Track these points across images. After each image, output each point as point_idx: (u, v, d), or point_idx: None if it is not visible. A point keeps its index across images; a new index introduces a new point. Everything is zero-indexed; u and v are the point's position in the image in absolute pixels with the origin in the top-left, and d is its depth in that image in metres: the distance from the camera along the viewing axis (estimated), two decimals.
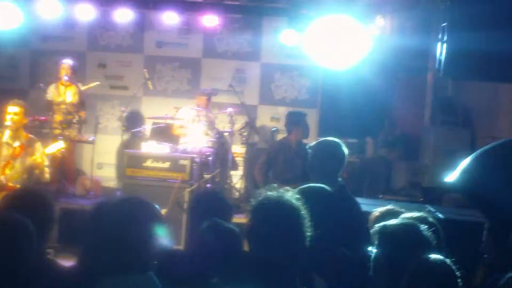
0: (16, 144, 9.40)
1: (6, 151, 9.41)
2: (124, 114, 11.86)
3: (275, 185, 3.91)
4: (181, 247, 9.23)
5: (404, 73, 13.53)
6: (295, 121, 9.58)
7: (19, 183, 9.32)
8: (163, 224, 3.54)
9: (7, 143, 9.43)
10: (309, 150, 6.00)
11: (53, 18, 12.06)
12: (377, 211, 5.28)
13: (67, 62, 11.70)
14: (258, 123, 12.82)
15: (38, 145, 9.69)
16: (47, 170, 9.63)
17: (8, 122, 9.40)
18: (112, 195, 11.21)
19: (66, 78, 11.55)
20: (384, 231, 4.08)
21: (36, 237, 3.98)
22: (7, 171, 9.29)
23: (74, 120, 11.53)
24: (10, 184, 9.20)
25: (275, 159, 9.43)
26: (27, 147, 9.51)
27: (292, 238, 3.90)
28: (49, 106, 11.55)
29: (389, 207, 5.27)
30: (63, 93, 11.60)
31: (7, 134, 9.46)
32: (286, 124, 9.61)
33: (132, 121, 12.52)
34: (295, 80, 13.23)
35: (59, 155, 11.13)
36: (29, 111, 10.26)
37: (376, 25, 12.56)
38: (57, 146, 9.92)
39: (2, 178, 9.24)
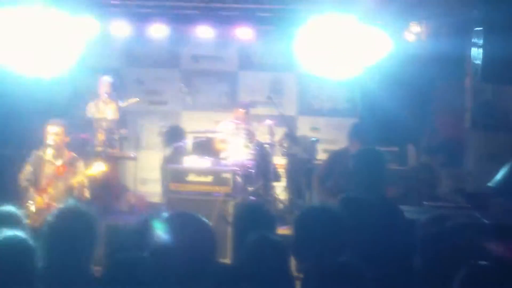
0: (59, 163, 9.51)
1: (48, 170, 9.51)
2: (164, 129, 11.95)
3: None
4: (227, 260, 9.25)
5: (442, 78, 13.42)
6: (356, 132, 9.50)
7: (62, 202, 9.40)
8: (213, 237, 3.57)
9: (50, 162, 9.53)
10: (351, 160, 6.01)
11: (90, 36, 12.19)
12: (425, 218, 5.25)
13: (107, 79, 11.82)
14: (298, 134, 12.79)
15: (80, 164, 9.76)
16: (86, 190, 9.71)
17: (50, 142, 9.49)
18: (157, 210, 11.28)
19: (106, 95, 11.67)
20: None
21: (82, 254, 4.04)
22: (50, 191, 9.39)
23: (116, 137, 11.63)
24: (53, 203, 9.29)
25: (332, 170, 9.36)
26: (70, 166, 9.61)
27: (336, 246, 3.92)
28: (90, 124, 11.67)
29: (437, 213, 5.26)
30: (103, 110, 11.71)
31: (49, 152, 9.56)
32: (348, 135, 9.55)
33: (172, 136, 12.58)
34: (333, 89, 13.19)
35: (102, 174, 11.28)
36: (70, 130, 10.40)
37: (411, 31, 12.50)
38: (99, 168, 10.01)
39: (45, 197, 9.35)
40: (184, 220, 3.47)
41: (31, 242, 4.08)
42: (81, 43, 11.11)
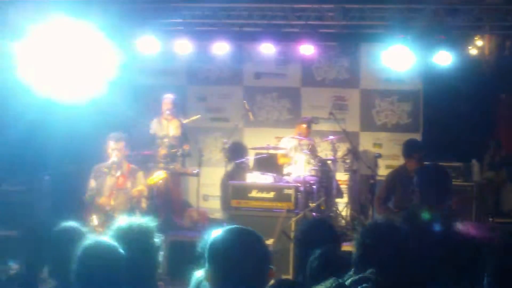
0: (118, 174, 9.65)
1: (110, 182, 9.67)
2: (227, 146, 11.99)
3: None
4: (289, 276, 9.22)
5: (506, 92, 13.23)
6: (412, 148, 9.34)
7: (124, 213, 9.55)
8: (269, 254, 3.54)
9: (111, 174, 9.68)
10: (414, 176, 5.93)
11: (153, 54, 12.35)
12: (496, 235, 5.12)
13: (169, 96, 11.93)
14: (361, 150, 12.71)
15: (140, 174, 9.93)
16: (144, 200, 9.83)
17: (113, 158, 9.66)
18: (219, 226, 11.31)
19: (168, 112, 11.78)
20: None
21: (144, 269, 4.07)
22: (112, 202, 9.54)
23: (178, 154, 11.72)
24: (115, 214, 9.44)
25: (392, 189, 9.25)
26: (129, 177, 9.75)
27: (400, 262, 3.87)
28: (153, 140, 11.80)
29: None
30: (166, 127, 11.83)
31: (110, 166, 9.71)
32: (403, 152, 9.41)
33: (235, 152, 12.62)
34: (395, 105, 13.08)
35: (164, 188, 11.40)
36: (133, 146, 10.53)
37: (475, 46, 12.37)
38: (159, 176, 10.12)
39: (108, 208, 9.49)
40: (238, 235, 3.44)
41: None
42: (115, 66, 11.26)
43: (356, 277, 3.95)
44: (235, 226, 3.43)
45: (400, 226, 4.20)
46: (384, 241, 4.00)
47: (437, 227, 5.25)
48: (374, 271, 3.87)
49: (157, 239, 4.50)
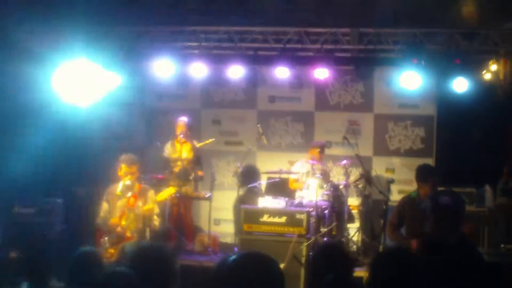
0: (129, 194, 9.66)
1: (121, 203, 9.67)
2: (240, 170, 11.97)
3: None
4: None
5: None
6: (426, 174, 9.25)
7: (136, 232, 9.55)
8: (283, 279, 3.51)
9: (122, 195, 9.69)
10: (428, 202, 5.88)
11: (167, 77, 12.40)
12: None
13: (183, 119, 11.95)
14: (373, 175, 12.64)
15: (151, 193, 9.95)
16: (156, 218, 9.83)
17: (126, 182, 9.68)
18: (230, 251, 11.27)
19: (182, 135, 11.79)
20: None
21: None
22: (123, 222, 9.54)
23: (191, 177, 11.71)
24: (128, 234, 9.46)
25: (404, 216, 9.17)
26: (140, 197, 9.76)
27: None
28: (166, 163, 11.80)
29: None
30: (179, 150, 11.83)
31: (120, 185, 9.72)
32: (416, 177, 9.32)
33: (247, 176, 12.58)
34: (409, 130, 13.04)
35: (175, 212, 11.40)
36: (146, 168, 10.53)
37: (489, 70, 12.34)
38: (168, 191, 10.12)
39: (119, 229, 9.49)
40: (253, 260, 3.41)
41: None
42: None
43: None
44: (249, 250, 3.40)
45: (413, 253, 4.16)
46: (397, 269, 3.96)
47: (452, 253, 5.21)
48: None
49: (176, 266, 4.49)
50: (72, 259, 5.26)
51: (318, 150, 11.88)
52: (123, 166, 9.80)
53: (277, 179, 11.96)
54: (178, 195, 11.27)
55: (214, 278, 3.61)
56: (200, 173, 11.95)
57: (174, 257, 4.51)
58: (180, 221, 11.89)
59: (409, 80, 11.39)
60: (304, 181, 11.69)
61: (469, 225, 9.54)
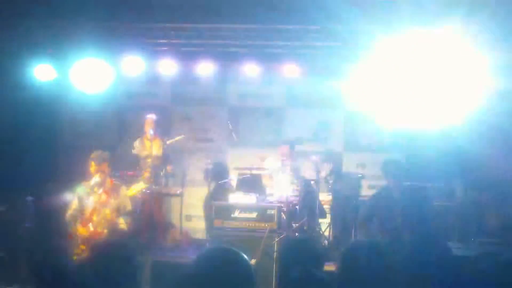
0: (101, 191, 9.64)
1: (92, 199, 9.65)
2: (210, 166, 11.99)
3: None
4: None
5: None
6: (387, 168, 9.34)
7: (106, 228, 9.54)
8: (253, 274, 3.54)
9: (94, 192, 9.66)
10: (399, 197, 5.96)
11: (137, 75, 12.36)
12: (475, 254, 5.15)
13: (151, 116, 11.96)
14: (344, 170, 12.70)
15: (122, 189, 9.91)
16: (123, 221, 9.81)
17: (96, 179, 9.65)
18: (202, 247, 11.30)
19: (151, 132, 11.79)
20: None
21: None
22: (94, 218, 9.52)
23: (161, 173, 11.71)
24: (98, 229, 9.45)
25: (375, 210, 9.25)
26: (112, 193, 9.74)
27: (382, 283, 3.88)
28: (136, 161, 11.79)
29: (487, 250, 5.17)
30: (149, 147, 11.83)
31: (93, 184, 9.69)
32: (383, 172, 9.39)
33: (218, 173, 12.61)
34: (379, 126, 13.10)
35: (147, 208, 11.40)
36: (116, 165, 10.53)
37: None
38: (138, 187, 10.12)
39: (90, 225, 9.48)
40: (223, 255, 3.45)
41: None
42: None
43: None
44: (219, 246, 3.44)
45: (382, 247, 4.21)
46: (366, 262, 4.01)
47: (420, 248, 5.27)
48: None
49: (138, 259, 4.49)
50: (37, 254, 5.27)
51: (289, 146, 11.92)
52: (93, 163, 9.77)
53: (248, 175, 11.99)
54: (148, 191, 11.27)
55: (186, 273, 3.65)
56: (169, 169, 11.95)
57: (135, 253, 4.51)
58: (152, 217, 11.90)
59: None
60: (275, 177, 11.73)
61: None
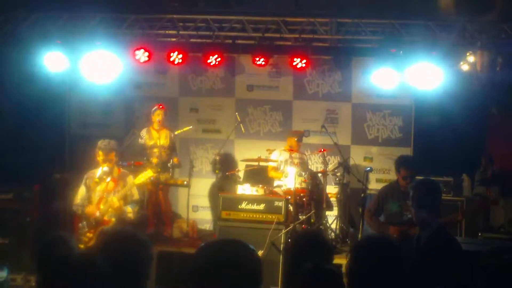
0: (108, 179, 9.67)
1: (99, 187, 9.66)
2: (218, 158, 12.00)
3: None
4: None
5: (498, 108, 13.26)
6: (405, 164, 9.29)
7: (114, 216, 9.56)
8: (260, 266, 3.54)
9: (101, 180, 9.68)
10: (410, 191, 5.92)
11: (145, 66, 12.35)
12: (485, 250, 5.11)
13: (159, 107, 11.95)
14: (351, 163, 12.69)
15: (130, 178, 9.92)
16: (130, 210, 9.79)
17: (104, 168, 9.67)
18: (209, 238, 11.30)
19: (158, 122, 11.80)
20: None
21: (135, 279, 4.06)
22: (102, 206, 9.56)
23: (168, 164, 11.71)
24: (105, 218, 9.48)
25: (384, 203, 9.23)
26: (119, 181, 9.76)
27: (393, 277, 3.87)
28: (143, 151, 11.79)
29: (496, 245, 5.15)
30: (156, 137, 11.82)
31: (100, 173, 9.71)
32: (395, 167, 9.35)
33: (226, 164, 12.61)
34: (387, 119, 13.09)
35: (154, 199, 11.42)
36: (124, 156, 10.55)
37: (467, 62, 12.40)
38: (146, 175, 10.13)
39: (98, 213, 9.51)
40: (230, 246, 3.45)
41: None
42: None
43: None
44: (227, 238, 3.43)
45: (393, 240, 4.20)
46: (377, 255, 4.00)
47: (429, 242, 5.26)
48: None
49: (150, 250, 4.48)
50: (42, 243, 5.27)
51: (296, 138, 11.90)
52: (100, 152, 9.79)
53: (255, 167, 11.99)
54: (156, 180, 11.27)
55: (192, 264, 3.65)
56: (176, 160, 11.95)
57: (147, 243, 4.49)
58: (159, 207, 11.91)
59: (385, 72, 11.37)
60: (282, 169, 11.73)
61: (461, 213, 9.66)
